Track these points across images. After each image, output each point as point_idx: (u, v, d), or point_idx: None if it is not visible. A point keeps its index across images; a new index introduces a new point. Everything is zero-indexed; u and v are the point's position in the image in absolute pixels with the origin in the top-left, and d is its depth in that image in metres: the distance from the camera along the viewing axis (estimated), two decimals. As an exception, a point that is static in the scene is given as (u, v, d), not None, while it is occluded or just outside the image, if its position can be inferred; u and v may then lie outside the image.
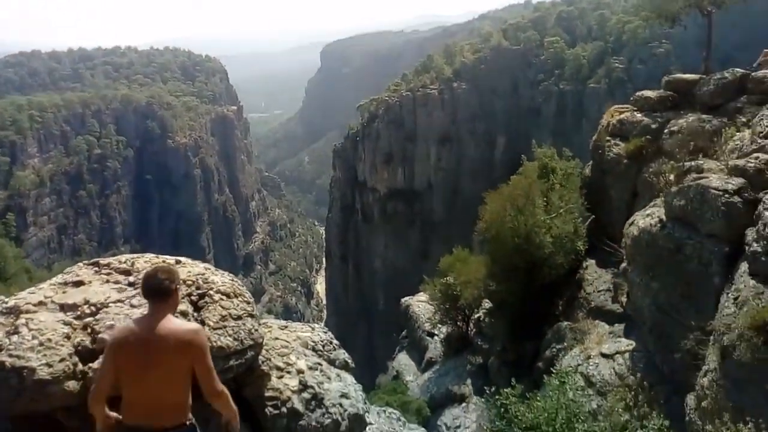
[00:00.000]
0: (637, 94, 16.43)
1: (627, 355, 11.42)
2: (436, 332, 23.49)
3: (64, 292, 4.89)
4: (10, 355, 4.11)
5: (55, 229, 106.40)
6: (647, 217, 10.64)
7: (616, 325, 13.56)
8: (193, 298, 4.98)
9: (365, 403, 5.61)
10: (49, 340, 4.28)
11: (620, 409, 8.53)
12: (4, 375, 4.04)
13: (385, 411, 7.65)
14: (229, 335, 4.75)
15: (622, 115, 16.33)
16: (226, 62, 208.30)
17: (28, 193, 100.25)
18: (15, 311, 4.52)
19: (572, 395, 11.37)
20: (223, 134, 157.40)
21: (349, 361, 6.17)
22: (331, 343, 6.15)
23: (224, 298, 5.06)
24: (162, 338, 3.72)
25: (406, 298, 27.31)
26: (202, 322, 4.77)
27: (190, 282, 5.07)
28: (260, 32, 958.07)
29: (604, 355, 11.86)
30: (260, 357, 5.15)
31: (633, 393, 9.61)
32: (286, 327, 6.06)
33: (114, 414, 3.89)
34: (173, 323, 3.86)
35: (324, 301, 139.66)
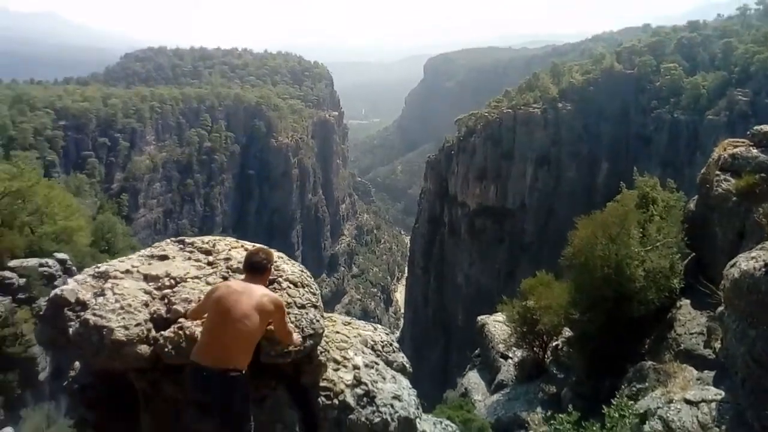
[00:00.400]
0: (756, 128, 15.07)
1: (714, 404, 10.44)
2: (510, 355, 22.79)
3: (149, 264, 5.29)
4: (94, 314, 4.51)
5: (162, 212, 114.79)
6: (752, 260, 9.70)
7: (706, 371, 12.46)
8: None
9: (418, 408, 5.57)
10: (129, 305, 4.65)
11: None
12: (87, 332, 4.44)
13: (441, 422, 7.54)
14: (291, 322, 4.91)
15: (736, 149, 15.05)
16: (333, 69, 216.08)
17: (142, 177, 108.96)
18: (104, 276, 4.96)
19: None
20: (322, 137, 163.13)
21: (407, 365, 6.15)
22: (391, 345, 6.17)
23: (291, 286, 5.25)
24: (252, 296, 4.47)
25: (483, 317, 26.72)
26: (268, 306, 4.98)
27: None
28: (369, 43, 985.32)
29: (688, 402, 10.92)
30: (319, 348, 5.28)
31: (716, 447, 8.80)
32: (349, 323, 6.16)
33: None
34: (263, 288, 4.69)
35: (402, 310, 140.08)
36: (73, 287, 4.75)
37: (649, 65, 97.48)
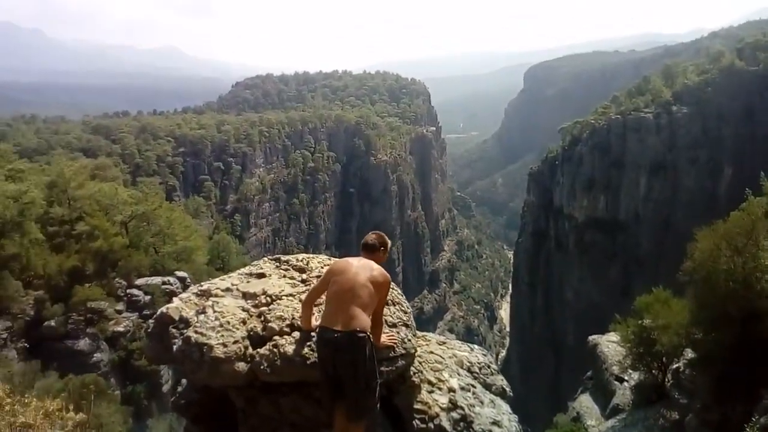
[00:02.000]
0: None
1: None
2: (625, 377, 21.21)
3: (248, 282, 5.45)
4: (195, 332, 4.69)
5: (271, 231, 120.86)
6: None
7: None
8: (354, 300, 5.16)
9: (519, 436, 5.22)
10: (228, 322, 4.79)
11: None
12: (189, 349, 4.62)
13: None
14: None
15: None
16: (430, 84, 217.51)
17: (252, 198, 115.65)
18: (206, 294, 5.17)
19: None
20: (420, 153, 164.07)
21: (507, 388, 5.81)
22: (489, 366, 5.87)
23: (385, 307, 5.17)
24: (366, 269, 5.02)
25: (595, 336, 25.16)
26: (358, 325, 4.94)
27: None
28: (466, 54, 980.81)
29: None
30: (412, 368, 5.12)
31: None
32: (444, 343, 5.95)
33: (314, 320, 5.04)
34: (375, 264, 5.19)
35: (507, 328, 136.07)
36: (177, 305, 4.99)
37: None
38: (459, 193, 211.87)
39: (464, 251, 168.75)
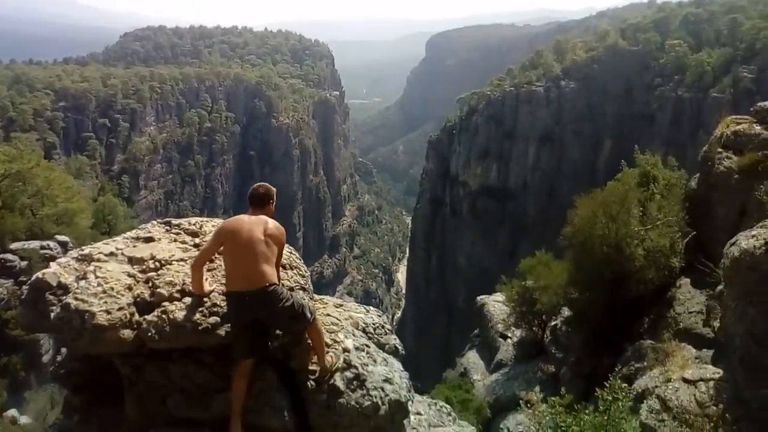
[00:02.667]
0: (759, 104, 14.81)
1: (711, 383, 10.43)
2: (509, 334, 22.86)
3: (134, 246, 5.18)
4: (76, 298, 4.41)
5: (163, 194, 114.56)
6: (752, 238, 9.59)
7: (704, 350, 12.44)
8: (249, 265, 5.09)
9: (409, 391, 5.48)
10: (112, 288, 4.54)
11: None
12: (69, 316, 4.34)
13: (436, 404, 7.51)
14: (278, 305, 4.82)
15: (739, 126, 14.81)
16: (333, 47, 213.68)
17: (142, 159, 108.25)
18: (87, 259, 4.85)
19: (645, 417, 10.60)
20: (323, 117, 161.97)
21: (400, 347, 6.06)
22: (383, 327, 6.08)
23: (281, 268, 5.15)
24: (261, 224, 4.90)
25: (482, 297, 26.78)
26: (255, 289, 4.89)
27: None
28: (370, 20, 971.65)
29: (686, 381, 10.92)
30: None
31: (712, 425, 8.77)
32: (341, 306, 6.06)
33: (207, 285, 4.91)
34: (267, 218, 5.06)
35: (404, 291, 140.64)
36: (55, 270, 4.65)
37: (653, 42, 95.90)
38: (361, 159, 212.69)
39: (365, 216, 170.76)
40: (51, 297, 4.47)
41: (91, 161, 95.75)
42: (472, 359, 24.53)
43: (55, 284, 4.53)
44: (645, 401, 11.51)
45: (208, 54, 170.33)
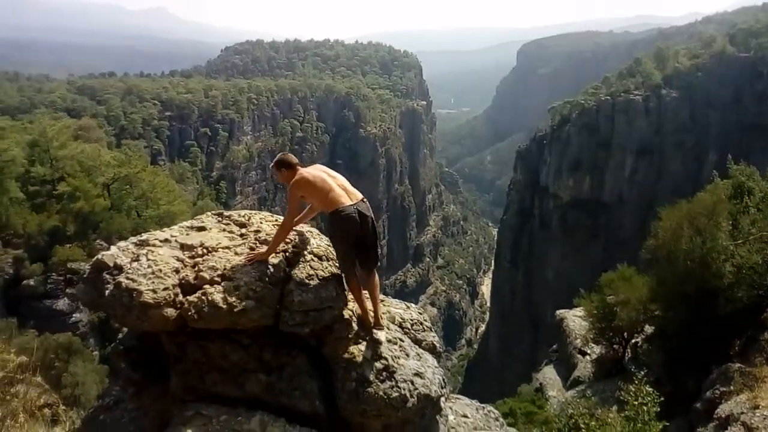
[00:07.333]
0: None
1: (802, 414, 9.47)
2: (588, 351, 21.85)
3: (187, 234, 5.59)
4: (127, 278, 4.85)
5: (257, 199, 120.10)
6: None
7: (800, 378, 11.27)
8: (288, 255, 5.36)
9: (442, 387, 5.48)
10: (160, 270, 4.94)
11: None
12: (120, 293, 4.78)
13: (484, 408, 7.41)
14: (311, 293, 5.03)
15: None
16: (422, 57, 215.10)
17: (239, 166, 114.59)
18: (144, 243, 5.31)
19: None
20: (410, 127, 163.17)
21: (438, 344, 6.07)
22: (422, 324, 6.12)
23: (315, 259, 5.38)
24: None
25: (562, 311, 25.82)
26: (290, 277, 5.14)
27: (288, 240, 5.49)
28: (461, 29, 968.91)
29: (774, 409, 9.99)
30: (344, 321, 5.35)
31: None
32: (382, 301, 6.17)
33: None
34: None
35: (488, 304, 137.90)
36: (113, 252, 5.13)
37: (767, 48, 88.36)
38: (447, 169, 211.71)
39: (449, 227, 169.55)
40: (107, 276, 4.94)
41: (192, 167, 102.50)
42: (548, 375, 23.70)
43: (111, 265, 5.00)
44: (729, 427, 10.68)
45: (302, 66, 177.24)
